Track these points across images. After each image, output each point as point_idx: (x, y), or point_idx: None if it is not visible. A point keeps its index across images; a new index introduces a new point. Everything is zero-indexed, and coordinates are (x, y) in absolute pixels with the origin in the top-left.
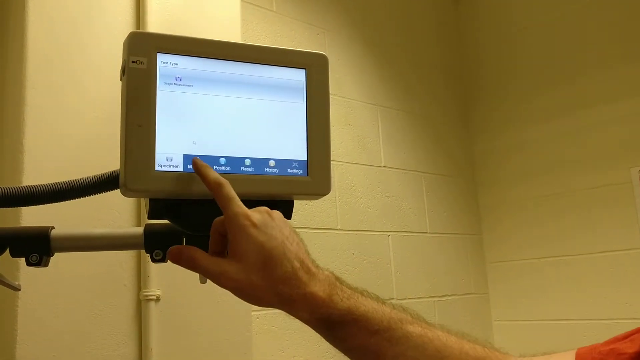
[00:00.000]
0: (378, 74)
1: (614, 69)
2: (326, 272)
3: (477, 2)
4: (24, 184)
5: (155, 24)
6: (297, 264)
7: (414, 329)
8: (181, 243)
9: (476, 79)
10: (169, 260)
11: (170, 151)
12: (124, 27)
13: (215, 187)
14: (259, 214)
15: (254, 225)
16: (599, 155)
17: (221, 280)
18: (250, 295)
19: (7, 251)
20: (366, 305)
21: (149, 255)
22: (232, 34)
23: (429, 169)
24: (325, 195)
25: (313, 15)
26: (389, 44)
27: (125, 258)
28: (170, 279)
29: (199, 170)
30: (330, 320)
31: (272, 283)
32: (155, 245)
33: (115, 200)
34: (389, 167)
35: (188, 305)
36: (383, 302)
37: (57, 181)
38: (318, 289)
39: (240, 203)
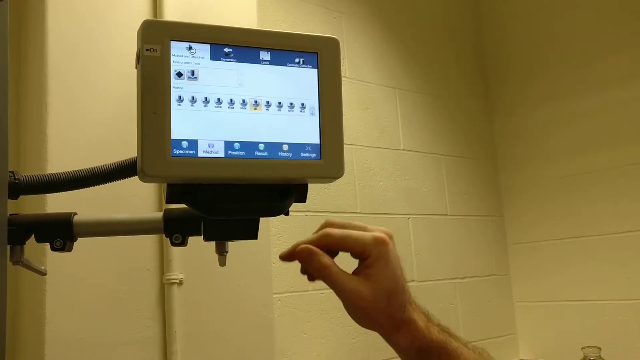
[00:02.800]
0: (396, 56)
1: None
2: (419, 304)
3: None
4: (48, 172)
5: (171, 10)
6: (407, 294)
7: None
8: (199, 227)
9: (496, 59)
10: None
11: (185, 137)
12: (142, 14)
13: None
14: (392, 241)
15: (394, 253)
16: (623, 133)
17: (352, 298)
18: (369, 317)
19: (33, 237)
20: (456, 342)
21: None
22: (248, 19)
23: (448, 151)
24: (338, 178)
25: None
26: (406, 26)
27: (148, 243)
28: (192, 262)
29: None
30: (427, 351)
31: (392, 309)
32: (175, 229)
33: (138, 187)
34: (408, 150)
35: (210, 288)
36: (465, 343)
37: (80, 169)
38: (418, 317)
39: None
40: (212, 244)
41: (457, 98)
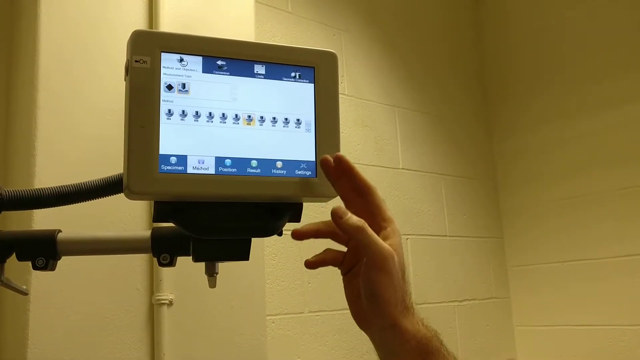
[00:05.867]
0: (395, 74)
1: None
2: None
3: (498, 1)
4: (36, 187)
5: (167, 23)
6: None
7: None
8: (188, 247)
9: (497, 79)
10: (337, 213)
11: (173, 152)
12: (137, 25)
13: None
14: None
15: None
16: (623, 155)
17: (385, 255)
18: (392, 285)
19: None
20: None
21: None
22: (246, 34)
23: (448, 170)
24: (334, 197)
25: (329, 16)
26: (406, 44)
27: (137, 261)
28: (183, 283)
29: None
30: (427, 343)
31: (405, 288)
32: (163, 249)
33: (127, 203)
34: (407, 169)
35: (201, 309)
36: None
37: (65, 184)
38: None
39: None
40: (203, 263)
41: (457, 117)
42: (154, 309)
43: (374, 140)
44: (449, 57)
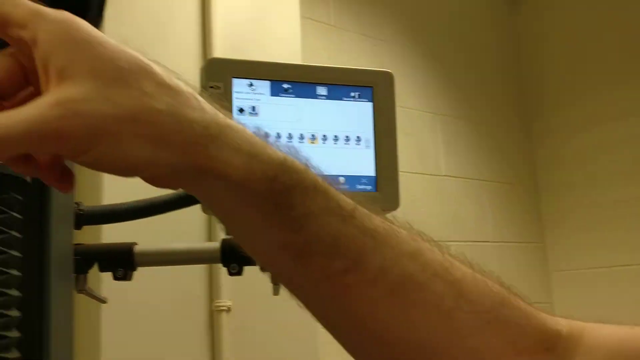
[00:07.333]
0: (435, 82)
1: None
2: None
3: (538, 6)
4: (104, 203)
5: (220, 41)
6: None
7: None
8: None
9: (536, 83)
10: None
11: None
12: (191, 45)
13: None
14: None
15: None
16: None
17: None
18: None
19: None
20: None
21: (225, 268)
22: (293, 49)
23: (490, 176)
24: (394, 210)
25: (370, 27)
26: (445, 51)
27: (197, 269)
28: (240, 289)
29: None
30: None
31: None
32: (232, 259)
33: (184, 214)
34: (449, 176)
35: (257, 315)
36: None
37: (136, 199)
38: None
39: None
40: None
41: (497, 123)
42: (213, 315)
43: (415, 147)
44: (489, 63)
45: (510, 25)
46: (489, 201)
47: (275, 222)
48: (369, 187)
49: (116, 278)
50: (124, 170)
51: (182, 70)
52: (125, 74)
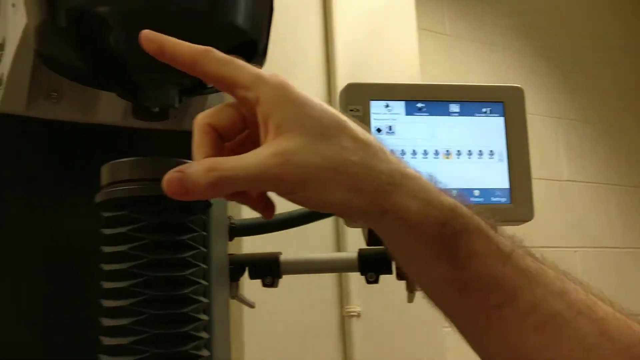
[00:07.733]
0: (555, 86)
1: None
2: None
3: None
4: (243, 217)
5: (342, 60)
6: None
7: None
8: (391, 267)
9: None
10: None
11: None
12: (315, 60)
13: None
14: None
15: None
16: None
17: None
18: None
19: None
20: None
21: (362, 276)
22: (411, 62)
23: (614, 180)
24: (528, 220)
25: (485, 33)
26: (563, 54)
27: (328, 277)
28: (369, 295)
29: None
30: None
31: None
32: (369, 268)
33: (313, 226)
34: (572, 181)
35: (385, 321)
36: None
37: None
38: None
39: None
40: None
41: (620, 126)
42: (344, 320)
43: (536, 152)
44: (609, 65)
45: (631, 27)
46: (618, 206)
47: (443, 260)
48: (503, 200)
49: (265, 285)
50: (323, 209)
51: (307, 81)
52: (328, 130)
